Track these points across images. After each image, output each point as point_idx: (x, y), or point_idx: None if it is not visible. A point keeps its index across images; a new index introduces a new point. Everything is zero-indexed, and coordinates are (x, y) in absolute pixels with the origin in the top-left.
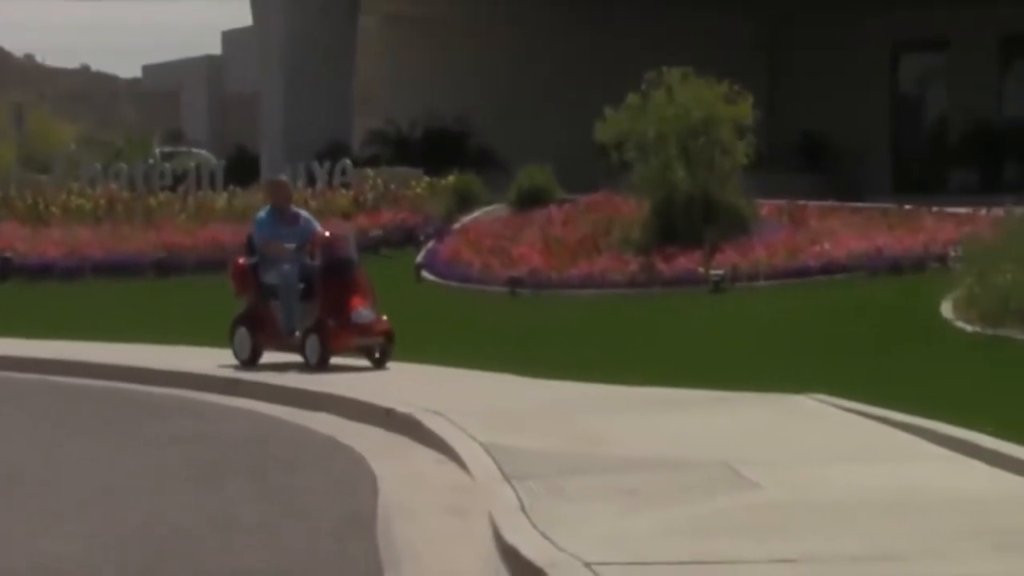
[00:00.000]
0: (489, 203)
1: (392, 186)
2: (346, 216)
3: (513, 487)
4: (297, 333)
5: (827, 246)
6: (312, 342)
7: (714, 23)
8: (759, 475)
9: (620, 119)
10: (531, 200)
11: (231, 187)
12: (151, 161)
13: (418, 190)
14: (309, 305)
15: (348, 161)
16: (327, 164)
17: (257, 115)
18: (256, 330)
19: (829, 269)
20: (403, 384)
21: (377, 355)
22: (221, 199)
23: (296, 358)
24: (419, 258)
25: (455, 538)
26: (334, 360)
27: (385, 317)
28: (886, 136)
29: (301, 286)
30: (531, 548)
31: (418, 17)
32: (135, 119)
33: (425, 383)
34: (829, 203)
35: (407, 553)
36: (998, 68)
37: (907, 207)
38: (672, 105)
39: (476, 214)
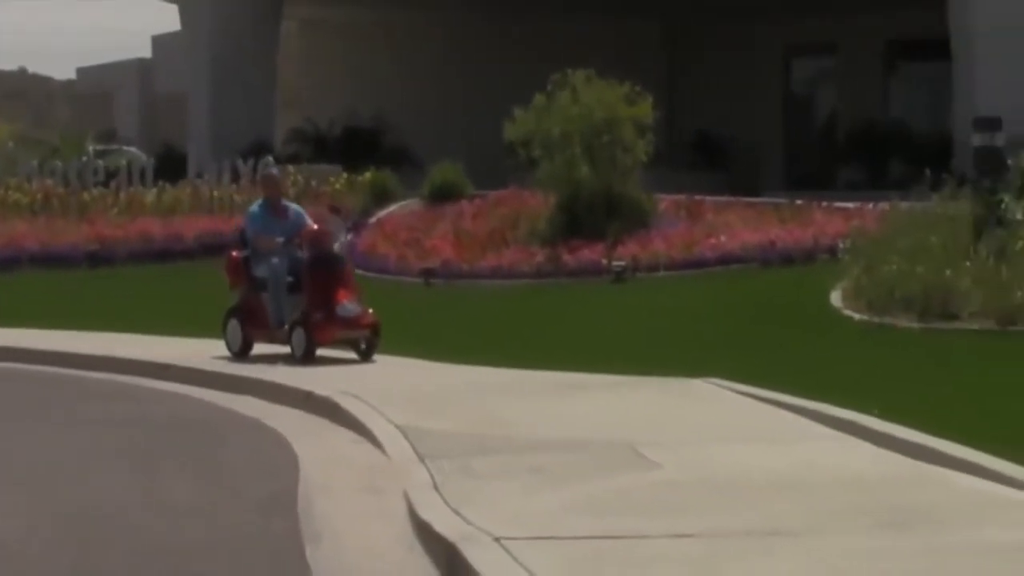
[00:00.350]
0: (404, 198)
1: (312, 182)
2: (335, 210)
3: (426, 466)
4: (285, 326)
5: (723, 239)
6: (298, 335)
7: (616, 28)
8: (659, 455)
9: (527, 119)
10: (443, 195)
11: (160, 183)
12: (85, 159)
13: (337, 186)
14: (298, 298)
15: (270, 158)
16: (251, 161)
17: (185, 115)
18: (247, 323)
19: (725, 260)
20: (326, 369)
21: (363, 347)
22: (151, 194)
23: (286, 350)
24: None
25: (372, 515)
26: (321, 352)
27: (371, 310)
28: (778, 135)
29: (290, 279)
30: (443, 524)
31: (337, 22)
32: (70, 119)
33: (343, 368)
34: (725, 198)
35: (327, 529)
36: (884, 71)
37: (798, 202)
38: (576, 105)
39: (391, 208)
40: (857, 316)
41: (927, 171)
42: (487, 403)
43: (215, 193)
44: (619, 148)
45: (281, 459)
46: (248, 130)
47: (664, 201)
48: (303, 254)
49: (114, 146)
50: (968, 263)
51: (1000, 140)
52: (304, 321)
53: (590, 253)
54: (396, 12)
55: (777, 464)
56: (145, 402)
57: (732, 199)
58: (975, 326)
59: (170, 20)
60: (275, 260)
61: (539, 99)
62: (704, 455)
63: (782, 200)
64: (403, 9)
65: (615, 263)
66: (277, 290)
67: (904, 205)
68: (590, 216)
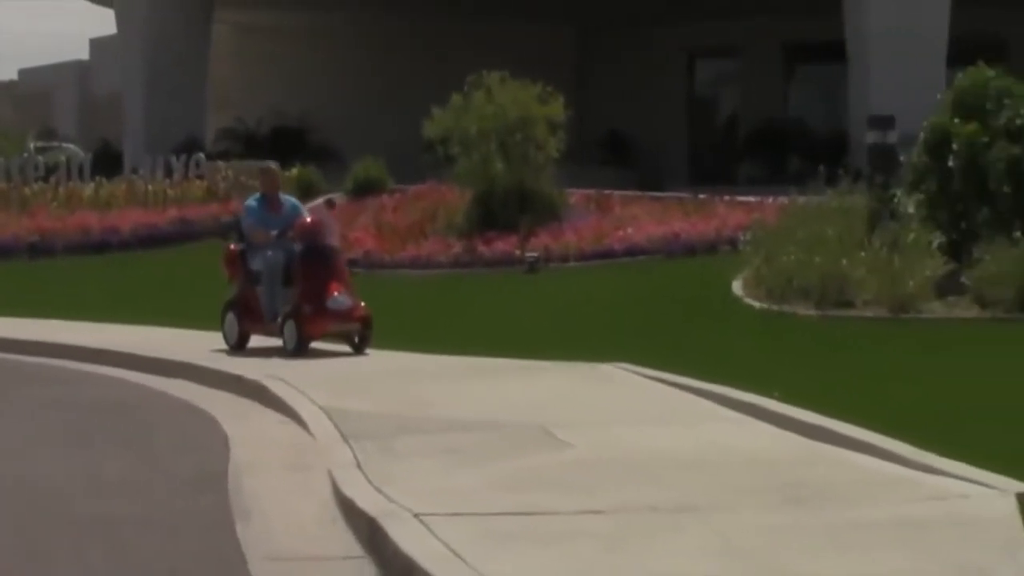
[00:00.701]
0: (328, 192)
1: (242, 177)
2: (329, 204)
3: (350, 446)
4: (279, 319)
5: (630, 231)
6: (290, 328)
7: (530, 32)
8: (570, 435)
9: (445, 117)
10: (366, 190)
11: (97, 178)
12: (26, 155)
13: None
14: (292, 291)
15: (202, 155)
16: (183, 157)
17: (121, 114)
18: (243, 316)
19: (632, 252)
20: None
21: (356, 340)
22: (88, 189)
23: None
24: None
25: (298, 492)
26: (315, 345)
27: (363, 303)
28: (683, 133)
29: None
30: (366, 501)
31: (265, 26)
32: (11, 117)
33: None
34: (632, 193)
35: (255, 505)
36: (783, 73)
37: (701, 196)
38: (491, 105)
39: (317, 202)
40: (757, 304)
41: (823, 167)
42: (407, 386)
43: (149, 188)
44: (532, 145)
45: (212, 439)
46: (181, 128)
47: (575, 195)
48: (298, 247)
49: (54, 143)
50: (862, 254)
51: (893, 138)
52: (295, 314)
53: (504, 244)
54: (320, 16)
55: (683, 444)
56: (81, 385)
57: (639, 194)
58: (869, 313)
59: (107, 24)
60: (269, 253)
61: (456, 99)
62: (613, 436)
63: (686, 195)
64: (327, 13)
65: (528, 254)
66: (271, 283)
67: (802, 199)
68: (504, 209)
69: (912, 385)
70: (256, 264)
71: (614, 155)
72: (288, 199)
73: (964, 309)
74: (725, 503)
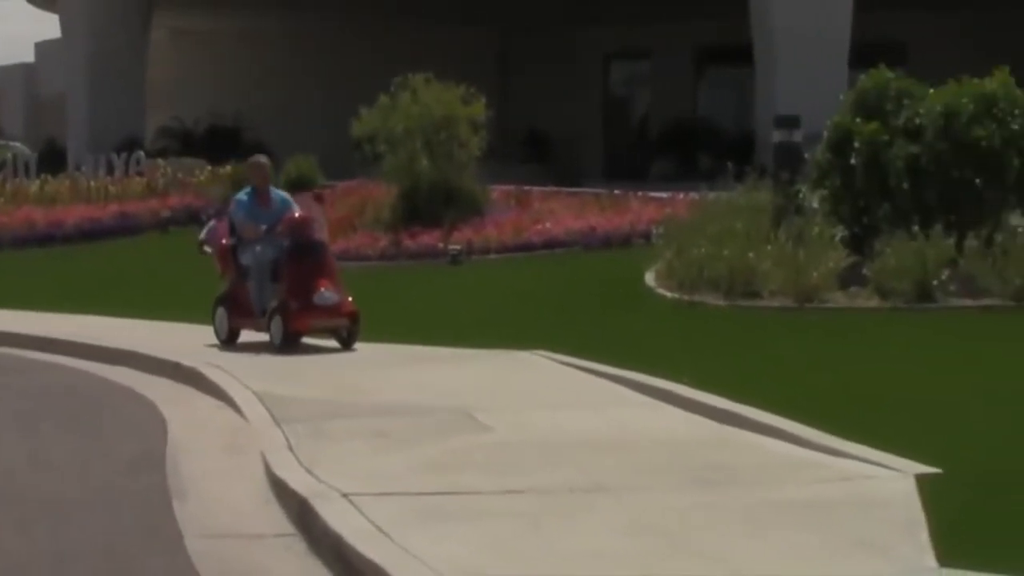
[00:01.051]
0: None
1: (179, 174)
2: (318, 198)
3: (282, 429)
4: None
5: (548, 225)
6: (276, 323)
7: (454, 36)
8: (492, 419)
9: (373, 117)
10: (297, 186)
11: (43, 175)
12: None
13: (201, 178)
14: (280, 286)
15: (142, 153)
16: (124, 155)
17: (65, 114)
18: (233, 311)
19: (550, 244)
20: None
21: (344, 336)
22: (34, 185)
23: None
24: (201, 235)
25: (232, 473)
26: (305, 340)
27: (351, 299)
28: (599, 132)
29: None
30: (297, 481)
31: (201, 30)
32: None
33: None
34: (550, 188)
35: (192, 485)
36: (693, 74)
37: (616, 192)
38: (417, 105)
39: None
40: (669, 294)
41: (732, 164)
42: (336, 373)
43: (92, 184)
44: (456, 144)
45: (151, 423)
46: (121, 127)
47: (496, 191)
48: (286, 242)
49: (1, 142)
50: (769, 247)
51: (798, 136)
52: (281, 309)
53: (429, 238)
54: (253, 20)
55: (598, 427)
56: (28, 372)
57: (557, 189)
58: (775, 303)
59: (51, 28)
60: (258, 248)
61: (383, 99)
62: (532, 419)
63: (602, 190)
64: (259, 17)
65: (451, 247)
66: (260, 278)
67: (711, 195)
68: (429, 205)
69: (818, 372)
70: (246, 259)
71: (534, 153)
72: (278, 193)
73: (865, 299)
74: (638, 484)
